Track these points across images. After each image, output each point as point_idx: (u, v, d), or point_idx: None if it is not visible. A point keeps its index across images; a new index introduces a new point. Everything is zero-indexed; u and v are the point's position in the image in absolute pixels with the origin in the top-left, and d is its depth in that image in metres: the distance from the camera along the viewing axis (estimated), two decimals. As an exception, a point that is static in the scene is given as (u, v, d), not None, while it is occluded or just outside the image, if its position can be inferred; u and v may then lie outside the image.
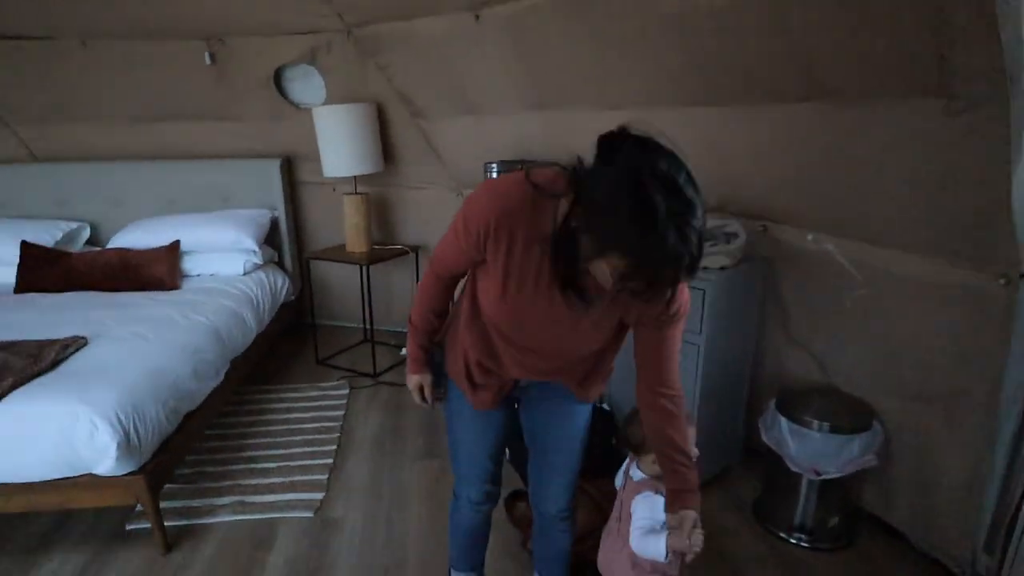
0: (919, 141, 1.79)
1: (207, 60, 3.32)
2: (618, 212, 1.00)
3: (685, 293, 1.27)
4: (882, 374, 2.14)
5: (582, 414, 1.55)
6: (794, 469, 2.12)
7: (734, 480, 2.57)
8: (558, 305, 1.24)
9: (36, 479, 2.01)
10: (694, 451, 1.43)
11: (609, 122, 2.96)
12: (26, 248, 3.18)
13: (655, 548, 1.41)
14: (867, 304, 2.15)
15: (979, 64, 1.55)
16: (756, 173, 2.37)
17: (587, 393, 1.49)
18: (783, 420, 2.17)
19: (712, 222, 2.33)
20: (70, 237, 3.50)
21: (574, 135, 2.93)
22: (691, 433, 1.41)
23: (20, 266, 3.14)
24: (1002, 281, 1.74)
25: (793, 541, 2.20)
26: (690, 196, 0.99)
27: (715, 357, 2.31)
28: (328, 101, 3.51)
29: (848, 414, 2.13)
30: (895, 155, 1.88)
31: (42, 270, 3.10)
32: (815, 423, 2.09)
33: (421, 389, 1.58)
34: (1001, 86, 1.52)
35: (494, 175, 2.94)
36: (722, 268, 2.24)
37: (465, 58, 2.95)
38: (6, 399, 2.01)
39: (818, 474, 2.08)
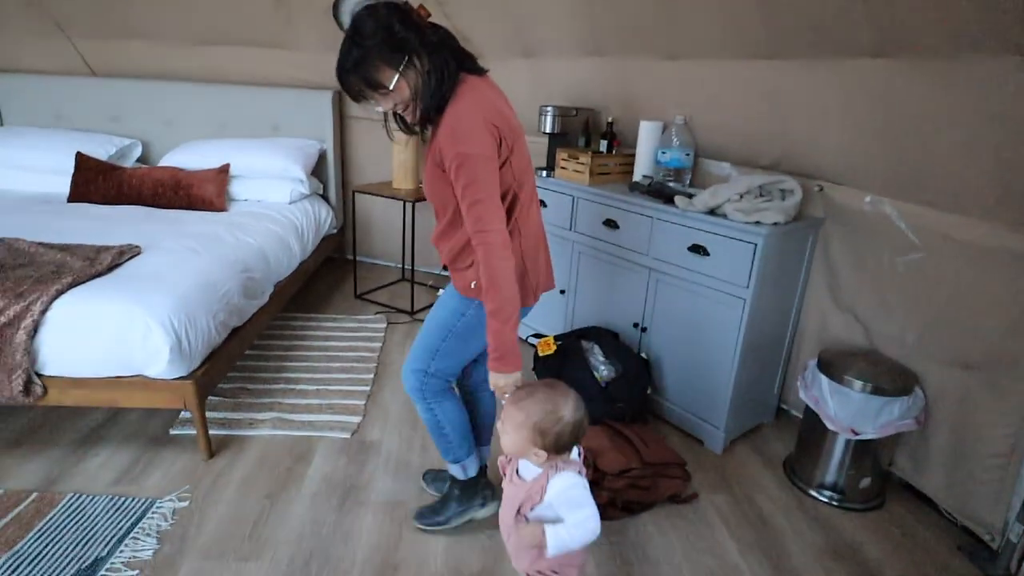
0: (992, 102, 1.76)
1: (267, -15, 3.30)
2: None
3: (445, 146, 1.49)
4: (928, 340, 2.12)
5: (451, 299, 1.77)
6: (832, 428, 2.13)
7: (766, 438, 2.58)
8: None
9: (91, 375, 2.07)
10: None
11: (665, 71, 2.94)
12: (81, 160, 3.23)
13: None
14: (920, 269, 2.12)
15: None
16: (818, 132, 2.33)
17: (458, 279, 1.71)
18: (824, 379, 2.17)
19: (767, 178, 2.30)
20: (123, 153, 3.55)
21: (628, 83, 2.90)
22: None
23: (75, 176, 3.19)
24: (1067, 249, 1.72)
25: (823, 499, 2.22)
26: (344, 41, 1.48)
27: (760, 314, 2.31)
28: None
29: (890, 377, 2.12)
30: (967, 116, 1.84)
31: (96, 182, 3.15)
32: (856, 383, 2.09)
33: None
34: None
35: (548, 119, 2.93)
36: (775, 224, 2.22)
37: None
38: (66, 295, 2.07)
39: (856, 434, 2.09)
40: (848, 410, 2.11)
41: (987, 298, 1.94)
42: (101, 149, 3.40)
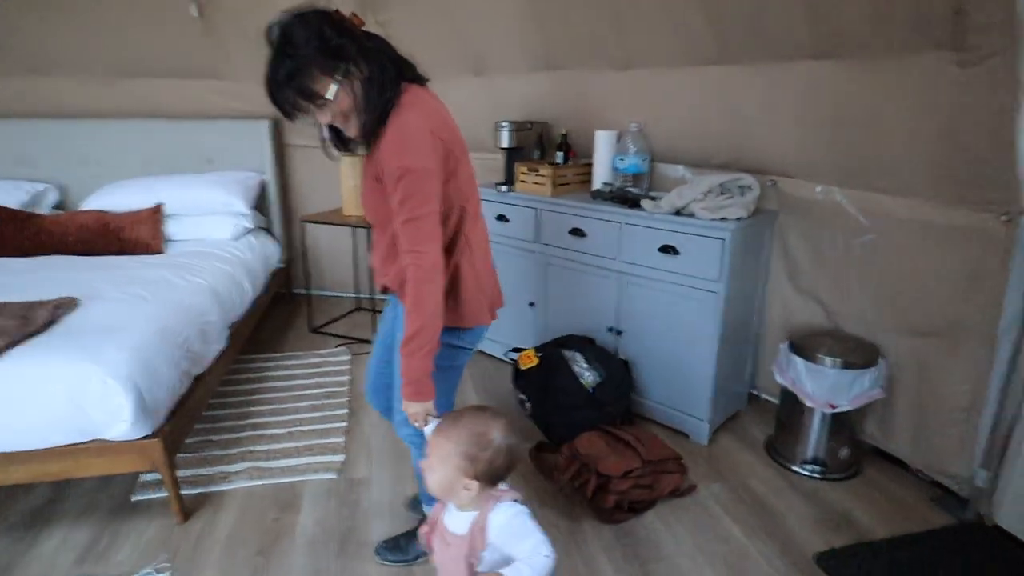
0: (928, 92, 1.91)
1: (193, 12, 3.11)
2: None
3: (388, 158, 1.42)
4: (885, 314, 2.28)
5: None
6: (810, 405, 2.24)
7: (744, 424, 2.68)
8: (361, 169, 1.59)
9: (40, 446, 1.85)
10: None
11: (616, 81, 3.00)
12: (-10, 210, 2.91)
13: None
14: (873, 249, 2.28)
15: (994, 17, 1.68)
16: (767, 130, 2.46)
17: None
18: (798, 360, 2.28)
19: (726, 177, 2.41)
20: (36, 199, 3.23)
21: (581, 95, 2.96)
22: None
23: (-17, 229, 2.86)
24: (1003, 218, 1.88)
25: (807, 473, 2.32)
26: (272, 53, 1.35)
27: (733, 306, 2.39)
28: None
29: (856, 351, 2.26)
30: (904, 107, 2.00)
31: (8, 233, 2.85)
32: (828, 360, 2.21)
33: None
34: (1015, 37, 1.65)
35: (505, 134, 2.94)
36: (738, 219, 2.32)
37: (474, 15, 2.91)
38: (1, 360, 1.84)
39: (833, 408, 2.21)
40: (823, 386, 2.22)
41: (935, 269, 2.10)
42: (11, 196, 3.08)
